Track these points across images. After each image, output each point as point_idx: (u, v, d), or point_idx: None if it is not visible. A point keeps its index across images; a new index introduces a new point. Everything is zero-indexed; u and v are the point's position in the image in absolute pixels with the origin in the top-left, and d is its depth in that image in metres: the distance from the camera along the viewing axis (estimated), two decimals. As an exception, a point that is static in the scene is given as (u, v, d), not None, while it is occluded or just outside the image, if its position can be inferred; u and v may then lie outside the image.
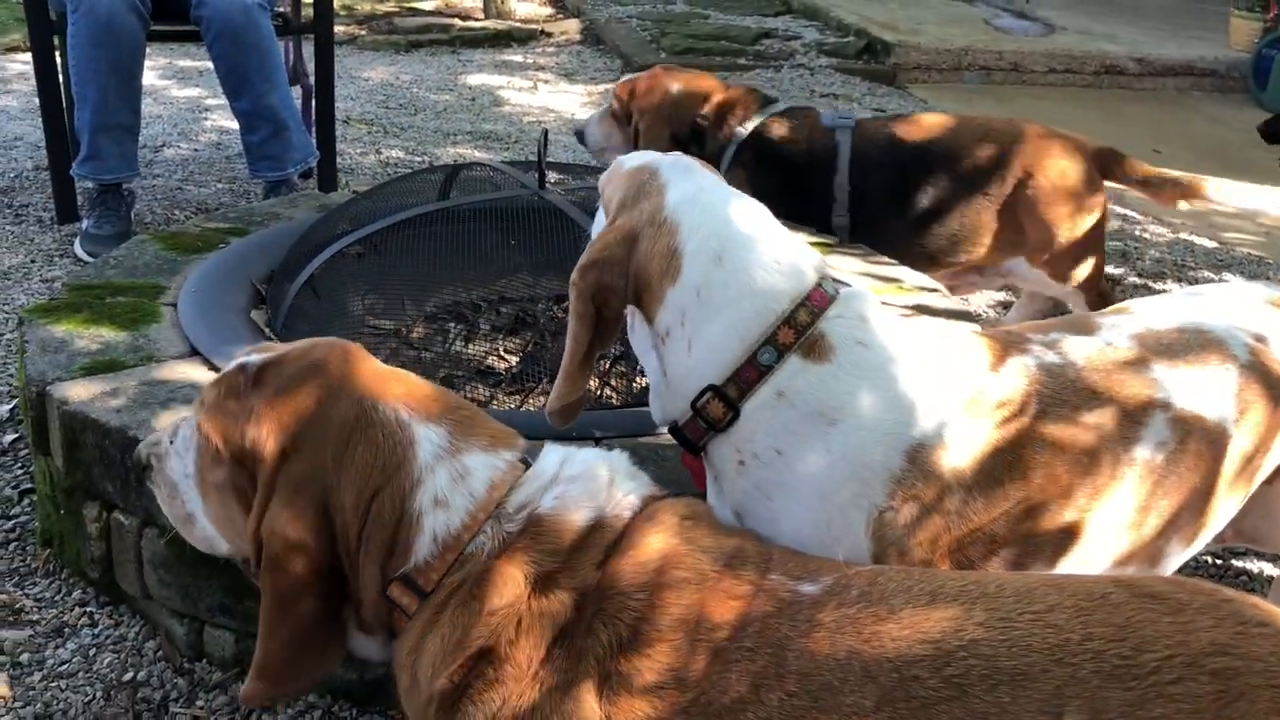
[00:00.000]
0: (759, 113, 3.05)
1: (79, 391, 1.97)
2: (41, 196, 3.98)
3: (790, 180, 2.99)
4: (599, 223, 1.59)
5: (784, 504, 1.38)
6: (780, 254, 1.44)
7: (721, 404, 1.39)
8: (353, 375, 1.28)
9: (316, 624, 1.24)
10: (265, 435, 1.23)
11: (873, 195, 2.93)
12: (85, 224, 3.63)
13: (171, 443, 1.33)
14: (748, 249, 1.43)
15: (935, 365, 1.41)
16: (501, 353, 2.59)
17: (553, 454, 1.31)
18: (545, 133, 2.47)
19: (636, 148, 3.01)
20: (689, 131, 3.06)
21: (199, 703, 1.82)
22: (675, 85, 3.11)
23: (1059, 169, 2.83)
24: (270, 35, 3.57)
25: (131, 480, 1.86)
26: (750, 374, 1.38)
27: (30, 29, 3.69)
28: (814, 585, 1.17)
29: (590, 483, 1.27)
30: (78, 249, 3.55)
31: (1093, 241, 2.90)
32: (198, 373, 2.07)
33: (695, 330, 1.40)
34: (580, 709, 1.11)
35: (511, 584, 1.17)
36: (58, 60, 3.69)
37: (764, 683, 1.09)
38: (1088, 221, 2.86)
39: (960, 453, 1.37)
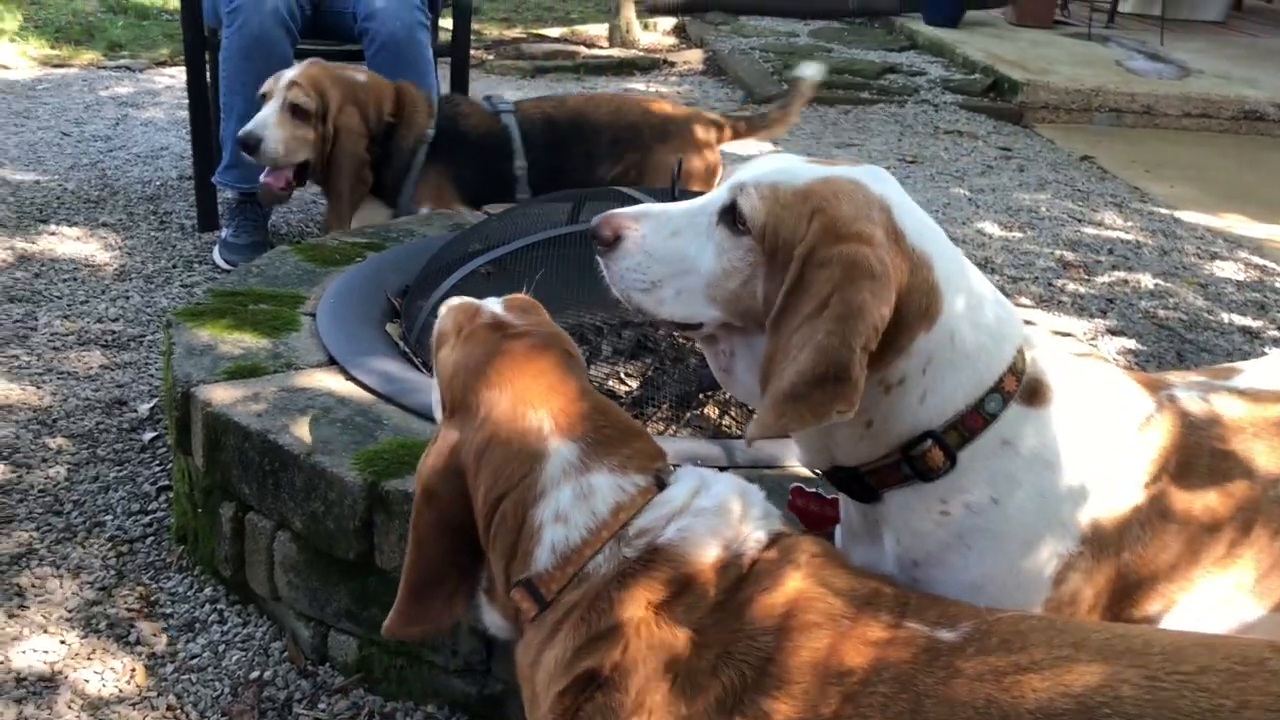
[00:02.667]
0: (424, 105, 3.29)
1: (222, 394, 2.03)
2: (184, 205, 4.14)
3: (481, 168, 3.27)
4: (716, 250, 1.32)
5: (983, 553, 1.32)
6: (993, 290, 1.37)
7: (941, 453, 1.30)
8: (526, 374, 1.32)
9: (445, 569, 1.31)
10: (444, 384, 1.36)
11: (543, 170, 3.27)
12: (224, 233, 3.77)
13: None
14: (982, 286, 1.35)
15: (1114, 408, 1.37)
16: (621, 376, 2.60)
17: (687, 481, 1.29)
18: (680, 161, 2.49)
19: (329, 153, 3.17)
20: (383, 129, 3.24)
21: (321, 705, 1.85)
22: (359, 76, 3.26)
23: (680, 134, 3.37)
24: (429, 54, 3.70)
25: (269, 484, 1.91)
26: (976, 422, 1.30)
27: (185, 42, 3.86)
28: (953, 632, 1.14)
29: (721, 516, 1.25)
30: (216, 257, 3.69)
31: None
32: (334, 382, 2.13)
33: (937, 378, 1.30)
34: None
35: (620, 610, 1.16)
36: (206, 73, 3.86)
37: None
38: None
39: (1137, 501, 1.34)
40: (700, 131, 3.40)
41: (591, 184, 3.28)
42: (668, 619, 1.16)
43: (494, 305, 1.44)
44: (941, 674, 1.10)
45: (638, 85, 6.80)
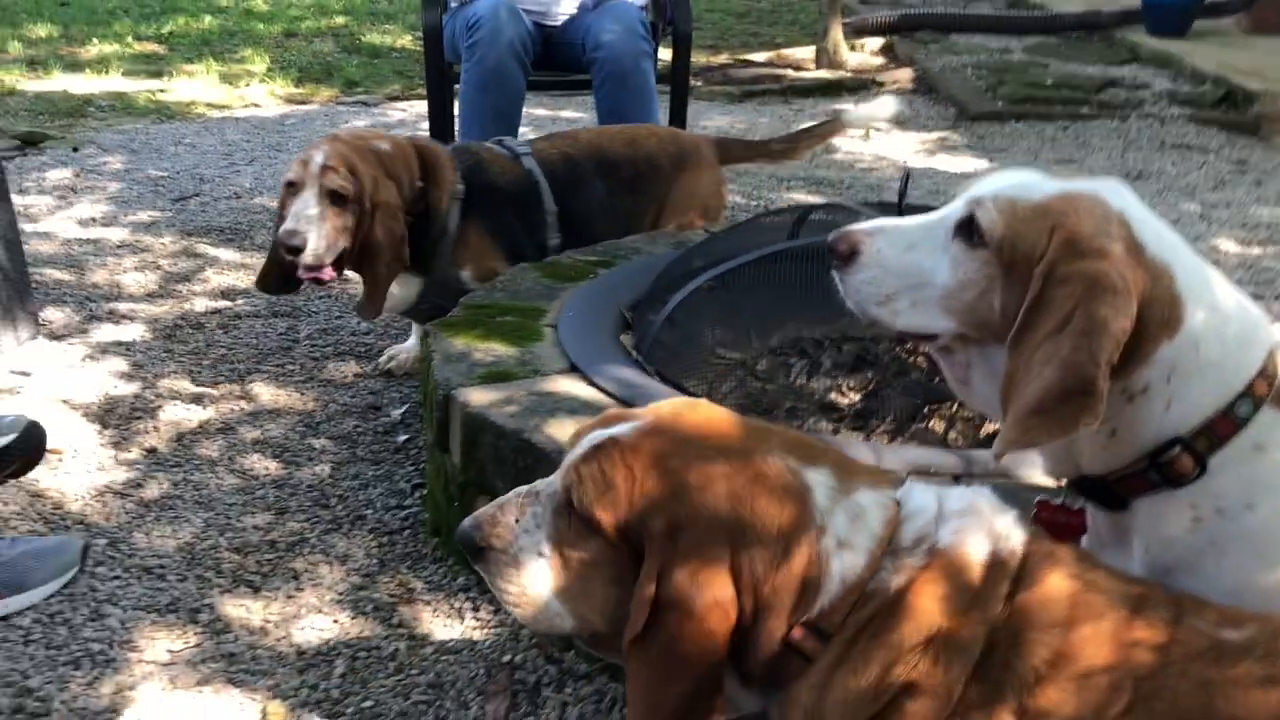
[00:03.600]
0: (448, 162, 3.04)
1: (479, 397, 2.20)
2: (422, 228, 4.43)
3: (514, 217, 3.11)
4: (953, 263, 1.38)
5: (1239, 560, 1.32)
6: (1239, 296, 1.37)
7: (1190, 459, 1.30)
8: (726, 432, 1.30)
9: (711, 684, 1.24)
10: (654, 506, 1.23)
11: (574, 209, 3.16)
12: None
13: (517, 521, 1.32)
14: (1226, 293, 1.35)
15: None
16: (843, 389, 2.65)
17: (924, 490, 1.33)
18: (908, 173, 2.52)
19: (371, 238, 2.82)
20: (415, 195, 2.95)
21: (568, 689, 1.97)
22: (383, 145, 2.95)
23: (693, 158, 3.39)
24: (651, 83, 3.88)
25: (521, 480, 2.05)
26: (1226, 428, 1.30)
27: (427, 77, 4.17)
28: (1238, 632, 1.15)
29: (978, 518, 1.28)
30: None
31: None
32: (577, 387, 2.27)
33: (1182, 387, 1.30)
34: None
35: (925, 617, 1.19)
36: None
37: None
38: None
39: None
40: (709, 154, 3.42)
41: (616, 220, 3.24)
42: (963, 619, 1.19)
43: (597, 436, 1.32)
44: (1231, 671, 1.10)
45: (846, 105, 6.81)
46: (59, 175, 5.04)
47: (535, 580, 1.30)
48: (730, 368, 2.70)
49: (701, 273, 2.78)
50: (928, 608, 1.19)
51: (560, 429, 2.07)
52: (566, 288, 2.80)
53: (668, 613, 1.22)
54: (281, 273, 2.93)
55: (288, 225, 2.77)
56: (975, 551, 1.24)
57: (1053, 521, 1.59)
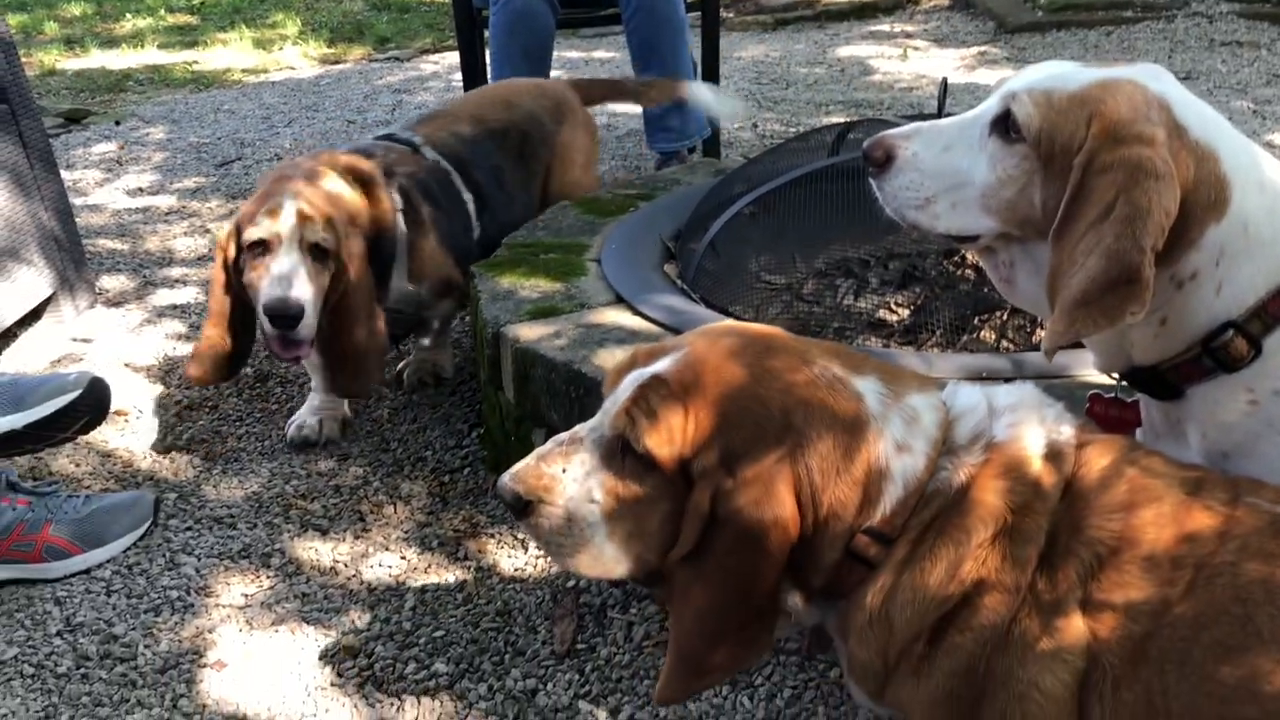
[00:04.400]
0: (380, 175, 2.58)
1: (527, 332, 2.22)
2: (462, 176, 4.45)
3: (446, 215, 2.72)
4: (990, 160, 1.35)
5: None
6: None
7: (1244, 342, 1.29)
8: (768, 349, 1.28)
9: (770, 601, 1.24)
10: (711, 433, 1.22)
11: (484, 192, 2.84)
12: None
13: (564, 470, 1.29)
14: (1274, 170, 1.32)
15: None
16: (891, 306, 2.64)
17: (970, 389, 1.32)
18: (945, 81, 2.49)
19: (347, 302, 2.40)
20: (375, 232, 2.53)
21: (633, 610, 2.01)
22: (330, 181, 2.47)
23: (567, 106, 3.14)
24: (682, 16, 3.84)
25: (575, 409, 2.08)
26: (1278, 307, 1.28)
27: (456, 24, 4.15)
28: None
29: (1029, 412, 1.28)
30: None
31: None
32: (624, 318, 2.28)
33: (1232, 269, 1.28)
34: (1068, 627, 1.13)
35: (990, 512, 1.19)
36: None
37: (1250, 598, 1.08)
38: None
39: None
40: (576, 98, 3.19)
41: (515, 195, 2.94)
42: (1027, 511, 1.19)
43: (642, 374, 1.28)
44: None
45: (882, 27, 6.70)
46: (104, 149, 5.11)
47: (590, 528, 1.27)
48: (776, 292, 2.69)
49: (741, 198, 2.77)
50: (991, 503, 1.19)
51: (610, 358, 2.09)
52: (608, 222, 2.80)
53: (725, 532, 1.21)
54: (237, 353, 2.53)
55: (273, 292, 2.29)
56: (1031, 444, 1.24)
57: (1106, 416, 1.59)
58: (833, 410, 1.23)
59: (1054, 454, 1.23)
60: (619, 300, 2.37)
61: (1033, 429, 1.26)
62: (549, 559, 1.88)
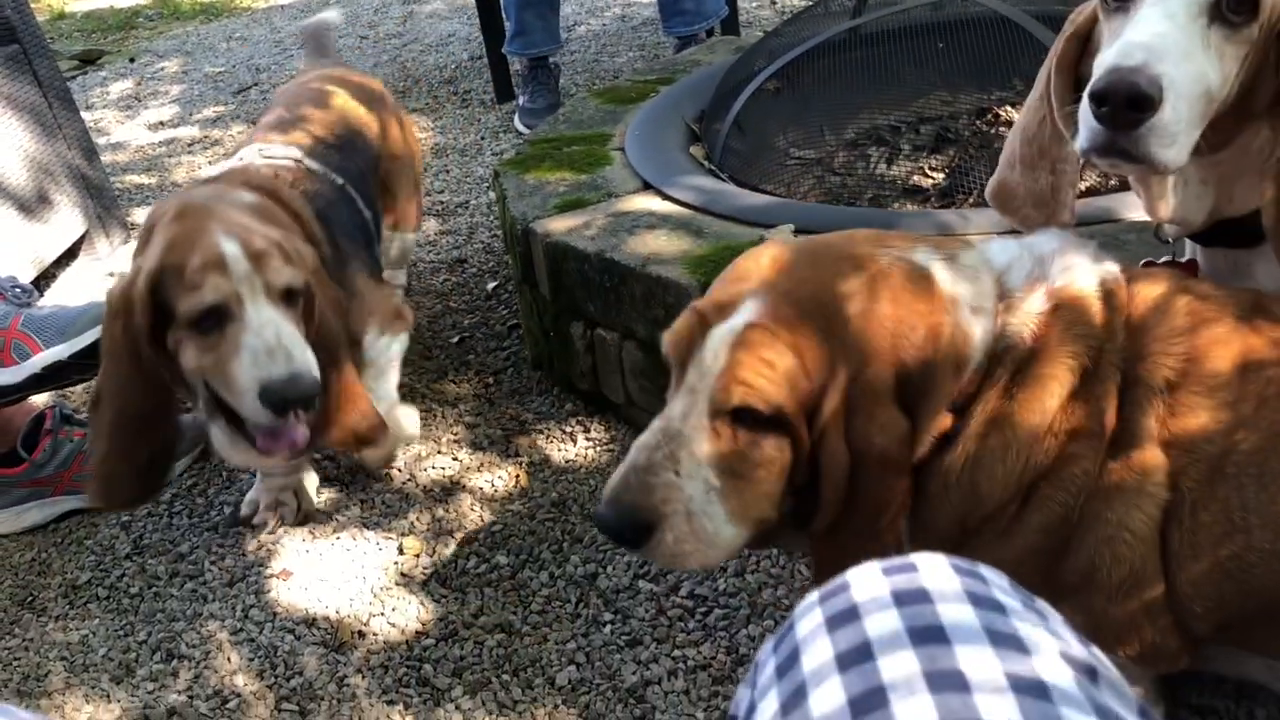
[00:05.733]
0: (304, 203, 2.02)
1: (557, 225, 2.20)
2: (480, 82, 4.39)
3: (362, 242, 2.20)
4: (1218, 55, 1.17)
5: None
6: None
7: None
8: (831, 256, 1.21)
9: (903, 502, 1.19)
10: (829, 367, 1.14)
11: (375, 208, 2.33)
12: (520, 100, 3.98)
13: (676, 474, 1.18)
14: None
15: None
16: (926, 170, 2.58)
17: (1002, 242, 1.28)
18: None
19: (322, 333, 1.77)
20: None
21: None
22: (258, 202, 1.87)
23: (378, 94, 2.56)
24: None
25: (611, 299, 2.07)
26: None
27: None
28: None
29: (1074, 254, 1.24)
30: (518, 123, 3.91)
31: None
32: (653, 203, 2.25)
33: None
34: (1150, 460, 1.12)
35: (1067, 359, 1.16)
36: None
37: None
38: None
39: None
40: (379, 83, 2.66)
41: (368, 216, 2.28)
42: (1101, 354, 1.16)
43: (726, 338, 1.18)
44: None
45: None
46: (121, 87, 5.09)
47: (713, 520, 1.18)
48: (806, 166, 2.65)
49: (763, 72, 2.71)
50: (1067, 350, 1.16)
51: (641, 244, 2.07)
52: (629, 110, 2.75)
53: (866, 471, 1.14)
54: (158, 464, 1.81)
55: (276, 372, 1.64)
56: (1086, 284, 1.21)
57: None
58: (919, 299, 1.17)
59: (1108, 291, 1.21)
60: (646, 186, 2.34)
61: (1084, 269, 1.23)
62: (666, 570, 1.80)
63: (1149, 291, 1.20)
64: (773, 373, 1.13)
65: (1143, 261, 1.53)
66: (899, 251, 1.21)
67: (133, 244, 3.40)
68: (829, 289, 1.16)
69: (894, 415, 1.14)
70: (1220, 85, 1.17)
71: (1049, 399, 1.15)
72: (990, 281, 1.21)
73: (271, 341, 1.65)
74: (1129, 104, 1.10)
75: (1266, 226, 1.23)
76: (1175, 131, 1.13)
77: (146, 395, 1.74)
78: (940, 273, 1.20)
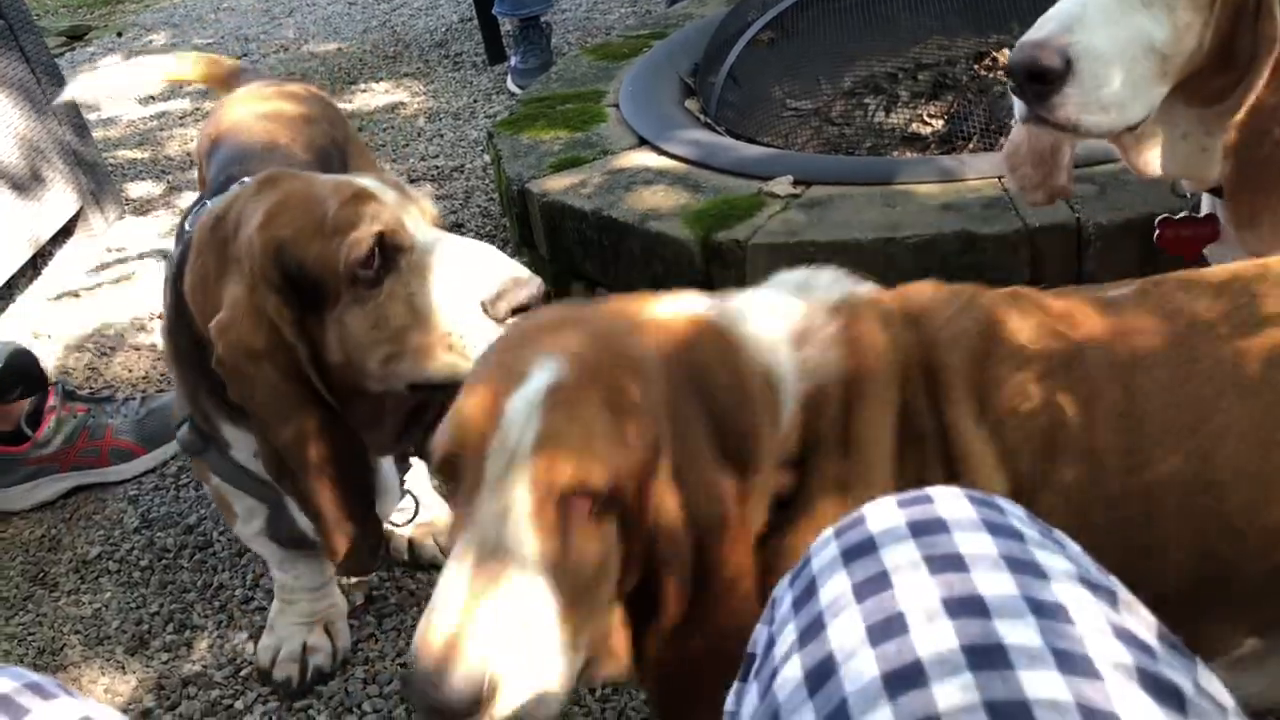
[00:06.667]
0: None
1: (553, 184, 2.19)
2: (471, 44, 4.35)
3: None
4: (1166, 9, 1.16)
5: None
6: None
7: None
8: (610, 313, 1.03)
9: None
10: (653, 428, 0.93)
11: None
12: (513, 61, 3.93)
13: (514, 614, 0.89)
14: None
15: None
16: (925, 118, 2.56)
17: (778, 281, 1.12)
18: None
19: None
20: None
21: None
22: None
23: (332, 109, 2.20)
24: None
25: (610, 256, 2.06)
26: None
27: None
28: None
29: (838, 279, 1.10)
30: (510, 84, 3.87)
31: None
32: (649, 159, 2.23)
33: None
34: (979, 461, 0.99)
35: (886, 382, 1.02)
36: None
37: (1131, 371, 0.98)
38: None
39: None
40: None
41: None
42: (906, 360, 1.03)
43: (523, 412, 0.91)
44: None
45: None
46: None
47: (550, 655, 0.90)
48: (803, 117, 2.62)
49: (755, 23, 2.68)
50: (881, 371, 1.02)
51: (639, 200, 2.05)
52: (622, 66, 2.73)
53: (713, 555, 0.94)
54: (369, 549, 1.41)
55: (501, 272, 1.29)
56: (862, 301, 1.07)
57: (1178, 239, 1.47)
58: (710, 344, 1.00)
59: (881, 305, 1.06)
60: (642, 143, 2.32)
61: (847, 287, 1.09)
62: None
63: (917, 292, 1.09)
64: (590, 441, 0.89)
65: (1159, 218, 1.49)
66: (671, 304, 1.04)
67: (128, 219, 3.38)
68: (621, 347, 0.96)
69: (719, 474, 0.94)
70: (1173, 39, 1.14)
71: (883, 433, 0.99)
72: (780, 317, 1.05)
73: (469, 249, 1.30)
74: (1029, 78, 1.10)
75: (1223, 176, 1.18)
76: (1104, 96, 1.11)
77: (334, 430, 1.32)
78: (723, 316, 1.03)
